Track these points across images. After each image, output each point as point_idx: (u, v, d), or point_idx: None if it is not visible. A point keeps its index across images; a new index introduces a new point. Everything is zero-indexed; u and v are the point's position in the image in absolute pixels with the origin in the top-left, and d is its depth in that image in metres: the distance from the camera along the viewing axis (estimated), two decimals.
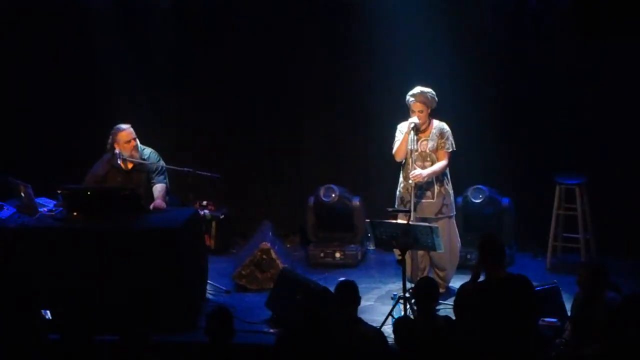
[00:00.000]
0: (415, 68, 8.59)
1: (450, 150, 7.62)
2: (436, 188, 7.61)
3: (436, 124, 7.65)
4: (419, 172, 7.49)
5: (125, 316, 6.72)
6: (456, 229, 7.80)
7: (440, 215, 7.61)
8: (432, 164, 7.59)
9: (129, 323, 5.95)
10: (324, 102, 9.39)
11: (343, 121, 9.39)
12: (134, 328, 5.56)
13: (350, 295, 5.89)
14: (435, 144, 7.60)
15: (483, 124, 8.86)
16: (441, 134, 7.61)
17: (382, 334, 5.92)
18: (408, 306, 6.92)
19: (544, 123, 8.92)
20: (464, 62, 8.81)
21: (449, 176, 7.71)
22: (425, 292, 5.91)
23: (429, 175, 7.53)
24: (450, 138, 7.63)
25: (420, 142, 7.62)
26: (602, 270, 6.17)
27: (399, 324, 5.97)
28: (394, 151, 7.67)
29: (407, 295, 6.91)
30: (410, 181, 7.50)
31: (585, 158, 8.72)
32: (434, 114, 7.69)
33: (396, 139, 7.68)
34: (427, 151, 7.61)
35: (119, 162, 7.78)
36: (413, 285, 6.72)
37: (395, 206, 7.66)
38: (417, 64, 8.71)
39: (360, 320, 5.88)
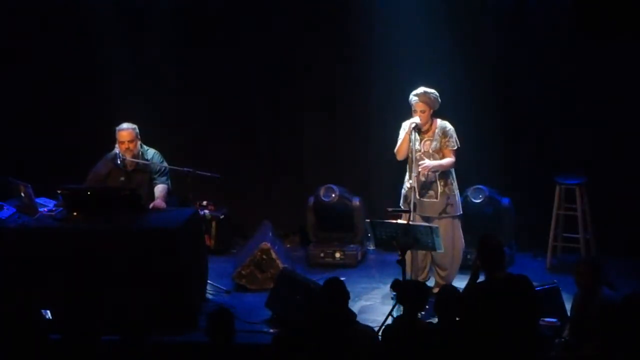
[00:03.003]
0: (416, 68, 8.60)
1: (456, 147, 7.63)
2: (439, 188, 7.60)
3: (439, 123, 7.65)
4: (426, 164, 7.49)
5: (126, 316, 6.72)
6: (460, 230, 7.77)
7: (443, 215, 7.61)
8: None
9: (129, 324, 5.95)
10: (324, 102, 9.39)
11: (343, 121, 9.39)
12: (133, 330, 5.56)
13: (337, 291, 5.88)
14: (439, 144, 7.60)
15: (483, 124, 8.87)
16: (444, 133, 7.61)
17: (375, 333, 5.91)
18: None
19: (544, 123, 8.92)
20: (464, 62, 8.81)
21: (454, 175, 7.69)
22: (410, 296, 5.95)
23: (435, 167, 7.53)
24: (454, 136, 7.64)
25: (424, 142, 7.62)
26: (598, 267, 6.17)
27: (385, 330, 5.99)
28: (395, 150, 7.67)
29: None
30: (410, 181, 7.50)
31: (585, 158, 8.72)
32: (436, 113, 7.69)
33: (400, 137, 7.69)
34: (430, 151, 7.60)
35: (118, 161, 7.80)
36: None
37: (400, 204, 7.66)
38: (417, 63, 8.72)
39: (355, 320, 5.89)
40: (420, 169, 7.47)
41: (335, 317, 5.77)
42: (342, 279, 6.33)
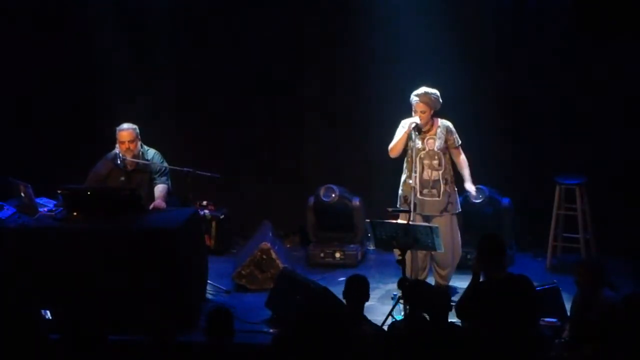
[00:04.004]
0: (416, 68, 8.60)
1: (460, 143, 7.68)
2: (442, 187, 7.62)
3: (440, 122, 7.67)
4: (471, 188, 7.78)
5: (126, 316, 6.73)
6: (457, 227, 7.78)
7: (444, 213, 7.62)
8: (439, 162, 7.61)
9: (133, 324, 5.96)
10: (324, 102, 9.39)
11: (343, 121, 9.39)
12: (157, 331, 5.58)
13: (359, 291, 5.93)
14: (443, 142, 7.61)
15: (483, 124, 8.87)
16: (448, 131, 7.63)
17: (384, 333, 5.92)
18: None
19: (544, 123, 8.92)
20: (464, 62, 8.81)
21: (452, 173, 7.72)
22: (414, 294, 5.96)
23: (471, 181, 7.77)
24: (456, 133, 7.67)
25: (426, 140, 7.63)
26: (598, 268, 6.16)
27: (389, 329, 5.99)
28: (390, 146, 7.66)
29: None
30: (410, 181, 7.51)
31: (585, 158, 8.72)
32: (436, 113, 7.69)
33: (397, 134, 7.69)
34: (435, 149, 7.61)
35: (118, 161, 7.80)
36: None
37: (398, 205, 7.67)
38: (417, 63, 8.72)
39: (366, 320, 5.90)
40: (474, 194, 7.76)
41: (347, 315, 5.79)
42: (341, 279, 6.33)
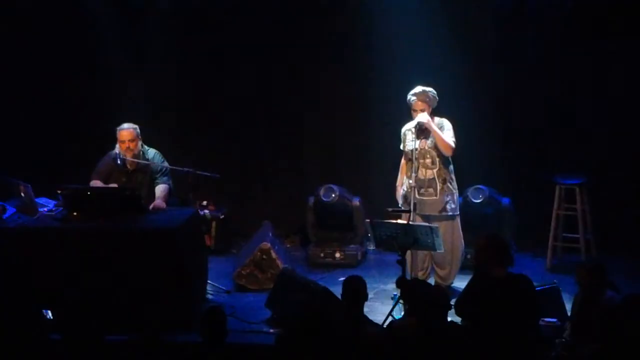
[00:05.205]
0: (416, 68, 8.60)
1: (453, 140, 7.56)
2: (439, 185, 7.60)
3: (437, 120, 7.65)
4: (424, 119, 7.46)
5: (126, 317, 6.73)
6: (460, 230, 7.77)
7: (443, 213, 7.61)
8: (432, 161, 7.58)
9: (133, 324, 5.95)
10: (324, 101, 9.40)
11: (343, 121, 9.40)
12: (144, 330, 5.57)
13: (357, 291, 5.93)
14: (435, 139, 7.59)
15: (483, 124, 8.87)
16: (441, 128, 7.59)
17: (386, 333, 5.92)
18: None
19: (544, 123, 8.93)
20: (464, 63, 8.82)
21: (453, 175, 7.69)
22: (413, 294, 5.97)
23: (433, 129, 7.46)
24: (452, 131, 7.60)
25: (421, 139, 7.62)
26: (601, 270, 6.17)
27: (388, 329, 6.00)
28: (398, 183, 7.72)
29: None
30: (410, 181, 7.51)
31: (585, 158, 8.72)
32: (435, 112, 7.69)
33: (402, 139, 7.70)
34: (426, 148, 7.60)
35: (118, 161, 7.80)
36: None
37: (400, 204, 7.67)
38: (417, 64, 8.72)
39: (369, 321, 5.89)
40: (418, 119, 7.45)
41: (348, 316, 5.79)
42: (341, 279, 6.33)
